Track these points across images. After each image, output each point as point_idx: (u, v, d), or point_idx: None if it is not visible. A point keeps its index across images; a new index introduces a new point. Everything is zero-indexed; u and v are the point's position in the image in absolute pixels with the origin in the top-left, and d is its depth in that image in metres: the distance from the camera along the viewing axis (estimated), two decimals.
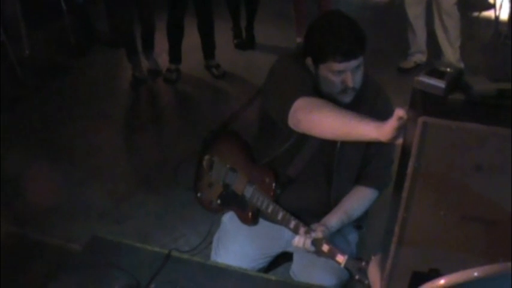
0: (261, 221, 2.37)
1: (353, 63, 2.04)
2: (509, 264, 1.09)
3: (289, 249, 2.42)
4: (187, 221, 3.45)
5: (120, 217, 3.64)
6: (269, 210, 2.25)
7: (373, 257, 1.73)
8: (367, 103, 2.16)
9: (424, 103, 1.33)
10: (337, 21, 2.07)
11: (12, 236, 2.25)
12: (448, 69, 1.42)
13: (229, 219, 2.49)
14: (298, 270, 2.36)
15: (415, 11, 5.35)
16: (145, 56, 5.67)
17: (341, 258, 2.02)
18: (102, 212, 3.69)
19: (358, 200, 2.29)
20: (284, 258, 2.50)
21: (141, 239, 3.31)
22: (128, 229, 3.51)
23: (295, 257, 2.41)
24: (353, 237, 2.43)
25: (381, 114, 1.92)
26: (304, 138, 2.12)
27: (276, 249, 2.46)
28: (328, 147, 2.17)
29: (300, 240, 2.10)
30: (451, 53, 5.33)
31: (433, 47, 5.55)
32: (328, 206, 2.28)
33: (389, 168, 2.30)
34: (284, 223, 2.21)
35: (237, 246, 2.42)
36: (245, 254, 2.40)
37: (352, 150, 2.18)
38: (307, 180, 2.29)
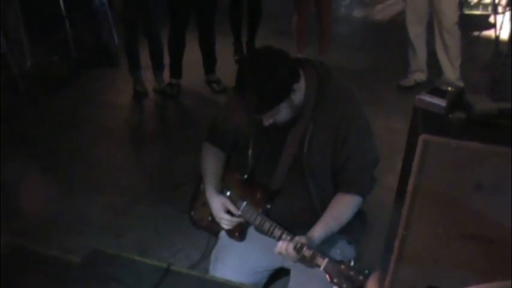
0: (258, 235, 2.39)
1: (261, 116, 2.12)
2: (508, 282, 1.09)
3: (286, 265, 2.43)
4: (187, 235, 3.44)
5: (119, 230, 3.63)
6: (257, 222, 2.32)
7: (372, 275, 1.74)
8: (324, 111, 2.19)
9: (425, 121, 1.34)
10: (245, 78, 2.09)
11: (10, 247, 2.24)
12: (449, 88, 1.44)
13: (226, 233, 2.50)
14: (295, 286, 2.36)
15: (416, 30, 5.38)
16: (154, 75, 5.69)
17: (321, 261, 2.04)
18: (101, 225, 3.68)
19: (339, 207, 2.28)
20: (282, 273, 2.51)
21: (140, 252, 3.30)
22: (127, 242, 3.50)
23: (292, 273, 2.41)
24: (350, 251, 2.44)
25: (343, 118, 2.15)
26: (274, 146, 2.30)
27: (273, 264, 2.46)
28: (299, 155, 2.23)
29: (282, 246, 2.14)
30: (451, 72, 5.34)
31: (433, 66, 5.58)
32: (314, 214, 2.30)
33: (368, 172, 2.29)
34: (269, 233, 2.26)
35: (234, 260, 2.43)
36: (242, 268, 2.40)
37: (317, 155, 2.22)
38: (289, 191, 2.33)
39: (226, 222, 2.39)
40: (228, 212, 2.39)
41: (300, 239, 2.11)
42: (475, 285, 1.12)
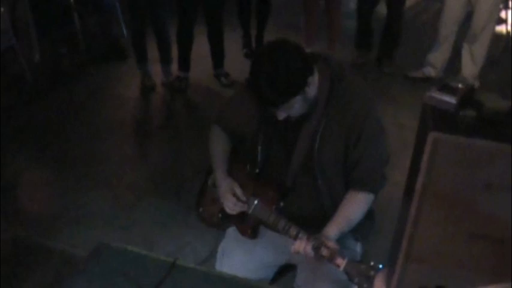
0: (266, 231, 2.37)
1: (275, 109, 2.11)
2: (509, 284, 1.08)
3: (293, 261, 2.42)
4: (194, 230, 3.44)
5: (126, 224, 3.64)
6: (270, 220, 2.28)
7: (379, 273, 1.73)
8: (337, 107, 2.18)
9: (434, 119, 1.32)
10: (260, 69, 2.05)
11: (16, 241, 2.25)
12: (460, 86, 1.42)
13: (233, 229, 2.49)
14: (301, 282, 2.35)
15: (447, 31, 5.29)
16: (162, 69, 5.69)
17: (340, 262, 2.02)
18: (108, 219, 3.69)
19: (352, 205, 2.27)
20: (289, 269, 2.50)
21: (147, 246, 3.31)
22: (133, 236, 3.51)
23: (299, 269, 2.40)
24: (357, 248, 2.43)
25: (354, 116, 2.13)
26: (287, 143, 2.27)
27: (280, 260, 2.45)
28: (310, 152, 2.22)
29: (300, 245, 2.12)
30: (469, 71, 5.26)
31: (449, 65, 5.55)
32: (323, 212, 2.29)
33: (380, 169, 2.28)
34: (284, 231, 2.22)
35: (241, 255, 2.42)
36: (249, 264, 2.40)
37: (329, 153, 2.21)
38: (299, 189, 2.32)
39: (230, 205, 2.36)
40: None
41: (319, 238, 2.10)
42: (483, 285, 1.11)
